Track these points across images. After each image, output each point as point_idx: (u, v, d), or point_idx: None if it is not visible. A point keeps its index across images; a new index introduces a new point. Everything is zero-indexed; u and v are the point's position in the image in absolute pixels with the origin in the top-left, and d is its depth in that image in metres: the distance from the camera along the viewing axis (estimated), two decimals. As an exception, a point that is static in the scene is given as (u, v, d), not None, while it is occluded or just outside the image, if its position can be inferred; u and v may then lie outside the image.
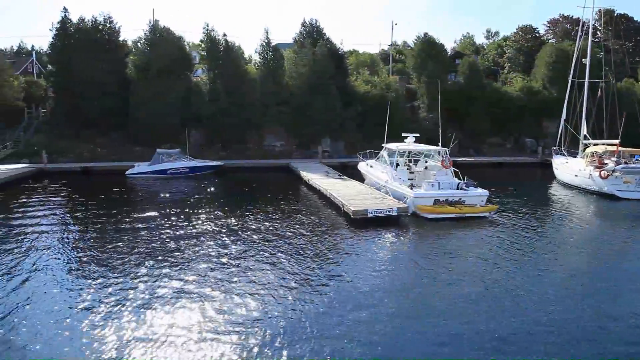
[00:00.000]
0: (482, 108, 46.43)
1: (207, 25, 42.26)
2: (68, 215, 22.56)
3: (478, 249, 17.15)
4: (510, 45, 64.21)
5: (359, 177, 29.56)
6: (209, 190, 29.58)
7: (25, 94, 42.53)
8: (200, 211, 22.93)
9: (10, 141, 38.81)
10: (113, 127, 41.22)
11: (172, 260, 15.46)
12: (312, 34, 46.60)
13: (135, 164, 33.81)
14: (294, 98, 41.51)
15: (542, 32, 65.45)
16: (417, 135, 27.26)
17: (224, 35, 41.87)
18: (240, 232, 19.02)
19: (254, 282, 13.58)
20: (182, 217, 21.60)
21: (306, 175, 29.86)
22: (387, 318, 11.32)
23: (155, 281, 13.59)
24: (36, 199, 25.75)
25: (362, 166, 29.64)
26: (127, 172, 33.04)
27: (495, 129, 47.41)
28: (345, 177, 29.33)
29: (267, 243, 17.52)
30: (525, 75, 53.44)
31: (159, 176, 32.80)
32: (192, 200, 26.04)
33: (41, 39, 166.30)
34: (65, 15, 43.27)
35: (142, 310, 11.61)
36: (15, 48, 75.70)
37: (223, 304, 12.08)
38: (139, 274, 14.19)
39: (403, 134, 27.33)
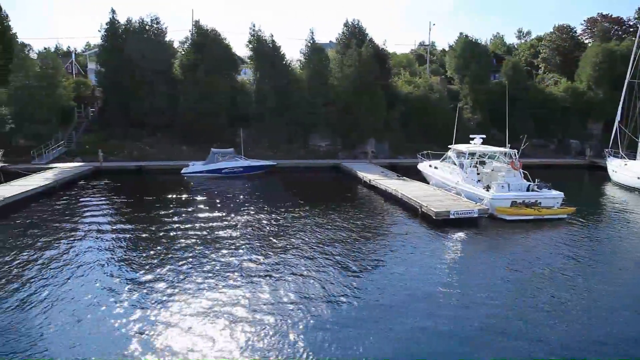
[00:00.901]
0: (525, 109, 46.06)
1: (254, 26, 42.50)
2: (130, 212, 22.60)
3: (572, 251, 17.03)
4: (546, 45, 63.48)
5: (416, 178, 29.42)
6: (265, 190, 29.70)
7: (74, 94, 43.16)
8: (262, 211, 22.80)
9: (63, 140, 39.42)
10: (160, 126, 41.69)
11: (241, 259, 15.57)
12: (355, 34, 46.65)
13: (190, 162, 34.14)
14: (340, 98, 41.54)
15: (579, 31, 64.51)
16: (484, 136, 27.08)
17: (271, 35, 42.10)
18: (316, 234, 18.69)
19: (352, 286, 13.31)
20: (242, 216, 21.70)
21: (365, 175, 29.88)
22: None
23: (217, 277, 13.84)
24: (99, 196, 26.37)
25: (424, 167, 29.58)
26: (182, 171, 33.38)
27: (539, 131, 47.00)
28: (404, 177, 29.29)
29: (350, 245, 17.36)
30: (561, 76, 52.99)
31: (214, 175, 33.07)
32: (250, 199, 26.18)
33: (76, 41, 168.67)
34: (112, 16, 43.96)
35: (194, 304, 11.96)
36: (52, 49, 76.77)
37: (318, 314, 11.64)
38: (196, 271, 14.28)
39: (471, 136, 27.19)
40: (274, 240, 17.88)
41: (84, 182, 31.10)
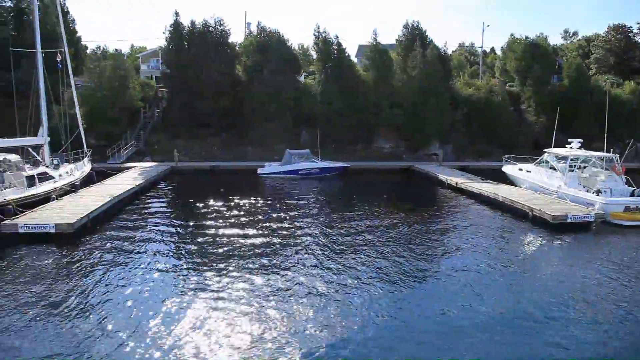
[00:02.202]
0: (590, 112, 45.20)
1: (318, 27, 42.61)
2: (223, 212, 22.37)
3: None
4: (599, 46, 62.29)
5: (497, 180, 29.01)
6: (346, 192, 29.63)
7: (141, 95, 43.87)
8: (352, 215, 22.29)
9: (132, 140, 40.05)
10: (225, 126, 42.06)
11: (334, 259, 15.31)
12: (415, 36, 46.41)
13: (265, 163, 34.39)
14: (406, 100, 41.34)
15: (635, 30, 63.01)
16: (581, 140, 26.58)
17: (337, 37, 42.13)
18: (421, 243, 17.73)
19: (483, 295, 12.70)
20: (334, 220, 21.33)
21: (450, 179, 29.61)
22: None
23: (294, 275, 13.73)
24: (182, 195, 26.70)
25: (513, 170, 29.19)
26: (258, 172, 33.58)
27: (604, 134, 46.04)
28: (489, 180, 28.93)
29: (471, 254, 16.52)
30: (615, 77, 51.92)
31: (290, 176, 33.17)
32: (334, 201, 25.98)
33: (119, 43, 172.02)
34: (176, 18, 44.52)
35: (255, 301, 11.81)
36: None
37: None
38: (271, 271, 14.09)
39: (569, 139, 26.68)
40: (380, 247, 16.89)
41: (167, 181, 31.57)
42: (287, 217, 21.67)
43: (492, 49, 79.42)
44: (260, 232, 18.83)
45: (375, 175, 36.07)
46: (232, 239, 17.74)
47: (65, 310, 11.18)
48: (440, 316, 11.23)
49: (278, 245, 16.95)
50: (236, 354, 9.39)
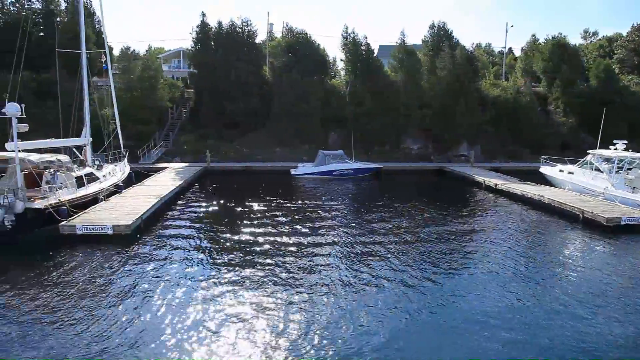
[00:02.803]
0: (618, 113, 44.70)
1: (347, 28, 42.49)
2: (263, 213, 22.27)
3: None
4: (622, 46, 61.67)
5: (531, 181, 28.75)
6: (382, 193, 29.35)
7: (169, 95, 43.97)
8: (392, 216, 22.18)
9: (162, 140, 40.15)
10: (253, 127, 42.06)
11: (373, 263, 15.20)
12: (441, 36, 46.19)
13: (299, 164, 34.33)
14: (434, 101, 41.12)
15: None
16: (626, 142, 26.23)
17: (365, 38, 42.02)
18: (467, 245, 17.59)
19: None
20: (376, 221, 21.15)
21: (489, 180, 29.36)
22: None
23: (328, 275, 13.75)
24: (222, 195, 26.56)
25: (552, 171, 28.88)
26: (292, 172, 33.51)
27: (633, 135, 45.55)
28: (528, 182, 28.64)
29: (523, 258, 16.40)
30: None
31: (324, 177, 33.07)
32: (373, 202, 25.62)
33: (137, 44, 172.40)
34: (203, 19, 44.63)
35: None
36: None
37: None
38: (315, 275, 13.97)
39: (614, 141, 26.36)
40: (428, 251, 16.59)
41: (202, 181, 31.62)
42: (329, 217, 21.63)
43: (510, 50, 79.04)
44: (307, 231, 18.92)
45: (407, 176, 35.86)
46: (277, 238, 17.77)
47: (132, 307, 11.45)
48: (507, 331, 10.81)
49: (328, 246, 16.90)
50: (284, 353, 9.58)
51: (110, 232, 16.91)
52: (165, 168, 33.41)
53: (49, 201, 17.84)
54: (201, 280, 13.33)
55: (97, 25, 48.27)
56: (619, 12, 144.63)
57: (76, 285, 12.81)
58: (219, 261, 15.20)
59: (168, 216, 21.44)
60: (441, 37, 45.95)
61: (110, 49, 53.45)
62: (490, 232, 19.63)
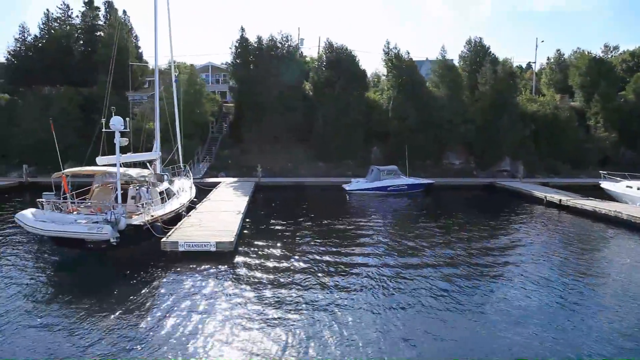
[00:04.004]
0: (658, 127, 44.81)
1: (388, 43, 42.72)
2: (326, 225, 22.08)
3: None
4: (651, 60, 61.96)
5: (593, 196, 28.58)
6: (444, 208, 29.29)
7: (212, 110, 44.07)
8: (462, 231, 21.88)
9: (205, 155, 40.09)
10: (295, 141, 41.98)
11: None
12: (478, 51, 46.48)
13: (352, 179, 34.27)
14: (477, 116, 41.16)
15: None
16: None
17: (407, 52, 42.21)
18: (550, 266, 16.67)
19: None
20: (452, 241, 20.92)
21: (551, 196, 29.11)
22: None
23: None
24: (288, 210, 26.46)
25: (617, 187, 28.71)
26: (347, 188, 33.35)
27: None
28: (589, 197, 28.44)
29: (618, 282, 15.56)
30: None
31: (378, 193, 32.91)
32: (438, 217, 25.43)
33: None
34: (242, 34, 44.95)
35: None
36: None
37: None
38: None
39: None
40: (516, 274, 15.75)
41: (256, 196, 31.43)
42: (402, 233, 21.36)
43: (529, 64, 79.33)
44: (396, 248, 18.64)
45: (458, 191, 35.75)
46: (374, 259, 17.29)
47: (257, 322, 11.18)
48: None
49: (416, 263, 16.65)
50: None
51: (213, 249, 16.67)
52: (218, 183, 33.27)
53: (145, 217, 17.66)
54: (323, 307, 12.64)
55: (134, 42, 48.74)
56: (628, 27, 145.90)
57: (193, 304, 12.57)
58: (330, 284, 14.49)
59: (248, 232, 21.23)
60: (478, 52, 46.32)
61: (146, 62, 53.85)
62: (582, 254, 18.52)
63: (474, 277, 15.24)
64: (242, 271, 15.53)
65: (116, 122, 17.60)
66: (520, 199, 32.04)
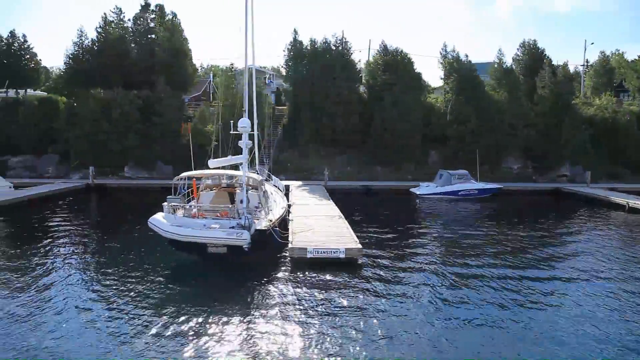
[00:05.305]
0: None
1: (445, 46, 42.49)
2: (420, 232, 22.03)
3: None
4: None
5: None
6: (519, 213, 28.89)
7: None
8: (546, 238, 21.61)
9: (263, 158, 39.98)
10: (351, 145, 41.82)
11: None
12: (532, 54, 46.09)
13: (421, 183, 34.10)
14: (538, 120, 40.76)
15: None
16: None
17: (466, 55, 41.91)
18: None
19: None
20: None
21: (634, 202, 28.59)
22: None
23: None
24: (372, 215, 26.39)
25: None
26: (417, 192, 33.17)
27: None
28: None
29: None
30: None
31: (448, 197, 32.67)
32: (519, 223, 25.06)
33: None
34: (295, 36, 44.96)
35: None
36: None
37: None
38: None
39: None
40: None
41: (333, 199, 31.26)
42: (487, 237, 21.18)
43: (565, 64, 78.43)
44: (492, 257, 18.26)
45: (523, 196, 35.39)
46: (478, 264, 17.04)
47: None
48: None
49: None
50: None
51: (342, 255, 16.45)
52: (287, 186, 33.14)
53: (264, 222, 17.52)
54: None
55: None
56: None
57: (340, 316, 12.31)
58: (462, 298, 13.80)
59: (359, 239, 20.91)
60: (533, 55, 45.93)
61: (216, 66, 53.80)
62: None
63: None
64: (377, 284, 14.85)
65: (244, 125, 17.52)
66: (593, 205, 31.36)
